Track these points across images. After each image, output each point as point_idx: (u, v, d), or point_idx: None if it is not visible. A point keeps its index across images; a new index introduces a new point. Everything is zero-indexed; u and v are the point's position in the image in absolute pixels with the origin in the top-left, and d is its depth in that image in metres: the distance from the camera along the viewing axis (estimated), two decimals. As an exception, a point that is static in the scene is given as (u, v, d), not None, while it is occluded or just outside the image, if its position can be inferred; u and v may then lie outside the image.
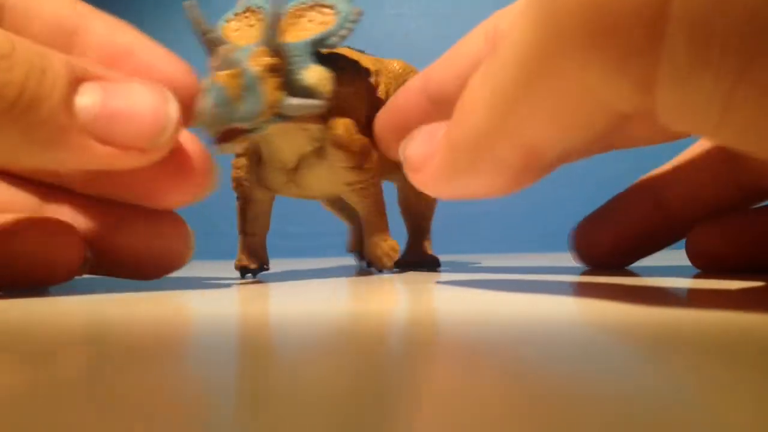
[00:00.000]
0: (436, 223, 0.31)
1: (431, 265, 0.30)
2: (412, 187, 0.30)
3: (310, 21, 0.23)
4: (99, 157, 0.16)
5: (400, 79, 0.27)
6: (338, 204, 0.32)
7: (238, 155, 0.25)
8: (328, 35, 0.22)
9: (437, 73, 0.22)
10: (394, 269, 0.26)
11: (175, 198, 0.19)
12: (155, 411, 0.06)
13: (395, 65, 0.28)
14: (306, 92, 0.21)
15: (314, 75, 0.22)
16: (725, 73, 0.09)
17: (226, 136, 0.20)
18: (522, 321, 0.11)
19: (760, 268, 0.20)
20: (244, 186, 0.25)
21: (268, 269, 0.26)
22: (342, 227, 0.34)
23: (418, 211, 0.30)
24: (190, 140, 0.19)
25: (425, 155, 0.16)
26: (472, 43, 0.21)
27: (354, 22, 0.23)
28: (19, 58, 0.15)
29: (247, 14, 0.24)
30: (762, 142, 0.10)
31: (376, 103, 0.26)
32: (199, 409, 0.06)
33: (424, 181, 0.17)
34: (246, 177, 0.25)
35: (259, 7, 0.24)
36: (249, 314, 0.14)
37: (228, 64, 0.19)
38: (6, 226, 0.18)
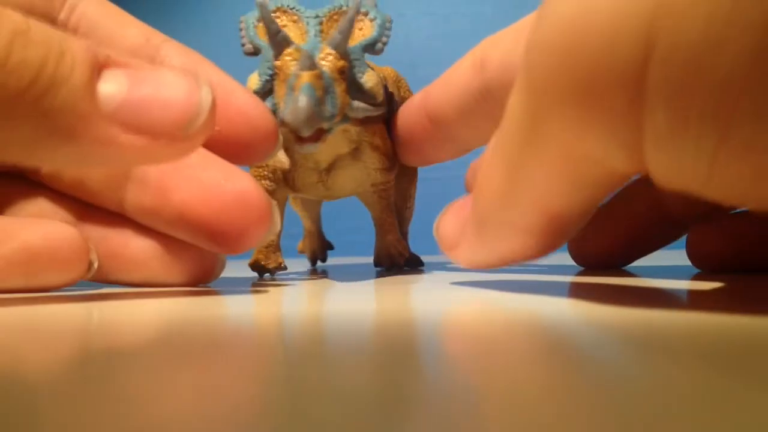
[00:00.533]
0: (421, 224, 0.31)
1: (414, 264, 0.30)
2: (398, 192, 0.30)
3: None
4: (125, 148, 0.15)
5: (395, 86, 0.28)
6: (313, 207, 0.33)
7: None
8: (375, 40, 0.22)
9: (434, 94, 0.23)
10: (380, 268, 0.27)
11: (241, 244, 0.19)
12: (188, 409, 0.06)
13: (390, 72, 0.28)
14: (362, 95, 0.22)
15: (372, 79, 0.22)
16: (706, 135, 0.09)
17: (316, 136, 0.20)
18: (522, 321, 0.11)
19: (760, 268, 0.20)
20: (266, 184, 0.25)
21: (286, 268, 0.26)
22: (345, 228, 0.34)
23: (401, 214, 0.31)
24: (253, 185, 0.18)
25: (458, 232, 0.16)
26: (461, 70, 0.22)
27: (389, 29, 0.23)
28: (36, 37, 0.13)
29: (278, 14, 0.23)
30: (753, 195, 0.10)
31: (393, 108, 0.26)
32: (232, 408, 0.06)
33: (461, 256, 0.17)
34: (267, 176, 0.25)
35: (291, 8, 0.23)
36: (281, 314, 0.14)
37: (309, 65, 0.19)
38: (7, 227, 0.18)
